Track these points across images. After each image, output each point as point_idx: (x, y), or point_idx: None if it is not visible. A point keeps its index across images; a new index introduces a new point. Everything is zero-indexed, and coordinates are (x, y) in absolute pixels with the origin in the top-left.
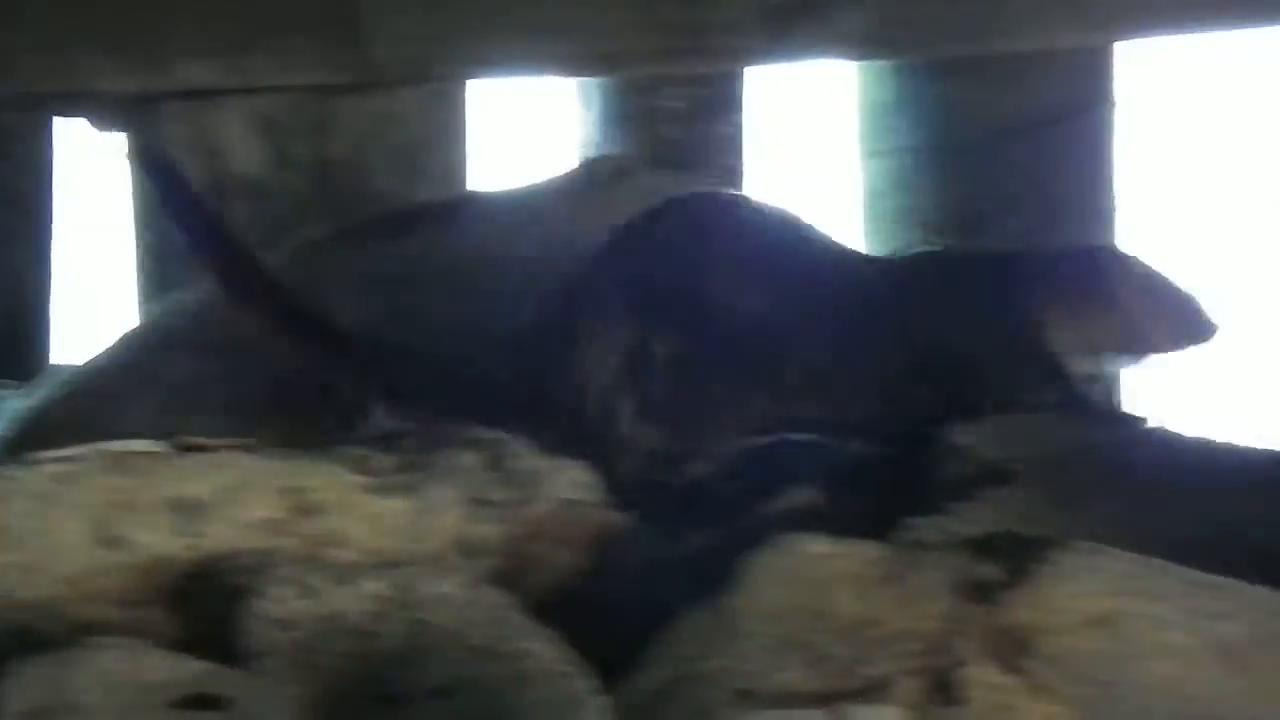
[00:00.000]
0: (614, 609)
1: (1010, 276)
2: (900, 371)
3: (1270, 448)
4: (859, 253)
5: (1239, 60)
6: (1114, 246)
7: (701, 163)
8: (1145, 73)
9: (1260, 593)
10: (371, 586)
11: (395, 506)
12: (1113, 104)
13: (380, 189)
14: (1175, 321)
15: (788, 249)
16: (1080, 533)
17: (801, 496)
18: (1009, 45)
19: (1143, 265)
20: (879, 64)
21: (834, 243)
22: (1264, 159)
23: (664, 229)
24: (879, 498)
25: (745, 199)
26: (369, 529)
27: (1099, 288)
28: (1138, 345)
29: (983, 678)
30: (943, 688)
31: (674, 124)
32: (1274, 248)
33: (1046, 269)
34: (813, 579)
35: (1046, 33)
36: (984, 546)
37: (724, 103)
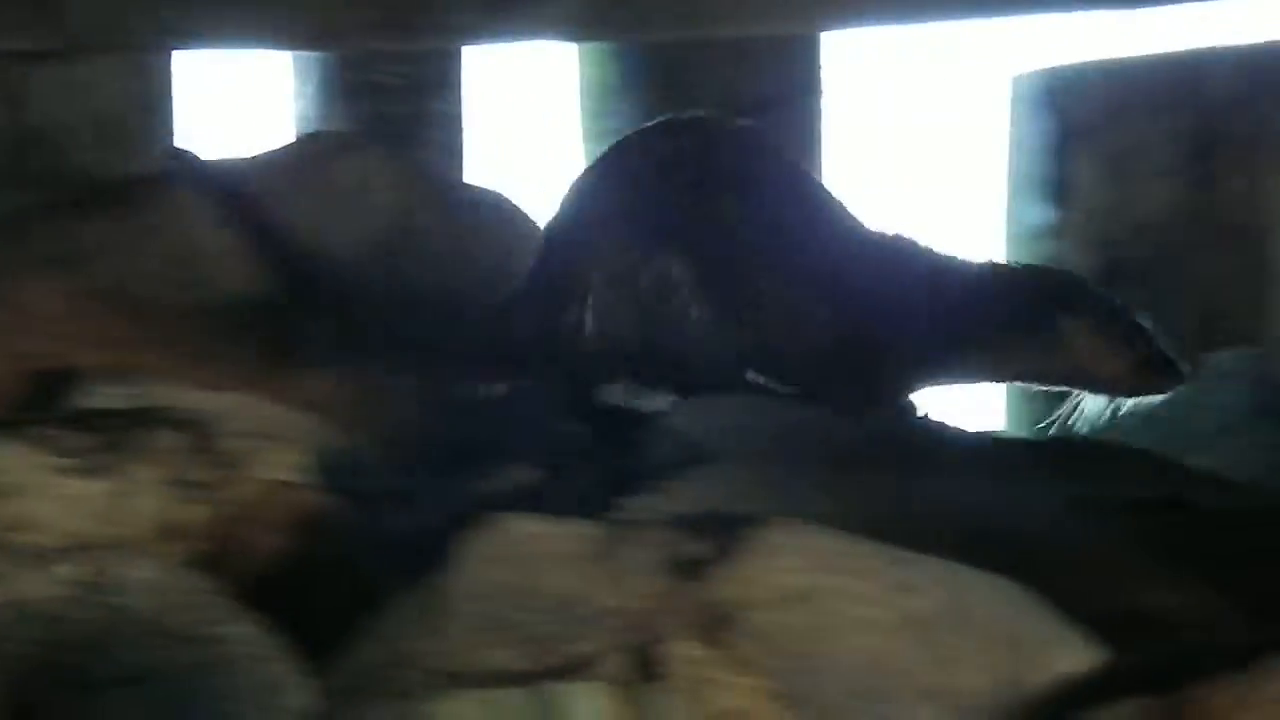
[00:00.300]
0: (324, 591)
1: (965, 285)
2: (821, 333)
3: (972, 429)
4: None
5: (940, 51)
6: (1076, 278)
7: (421, 139)
8: (851, 62)
9: (953, 568)
10: (63, 571)
11: (91, 488)
12: (821, 92)
13: (80, 160)
14: (1132, 364)
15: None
16: (786, 510)
17: (516, 475)
18: (721, 31)
19: (1106, 302)
20: (599, 46)
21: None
22: (962, 149)
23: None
24: (594, 477)
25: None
26: (63, 511)
27: (1046, 318)
28: (1085, 382)
29: (685, 653)
30: (646, 664)
31: (393, 100)
32: (975, 235)
33: (998, 287)
34: (524, 558)
35: (758, 20)
36: (692, 525)
37: (443, 80)
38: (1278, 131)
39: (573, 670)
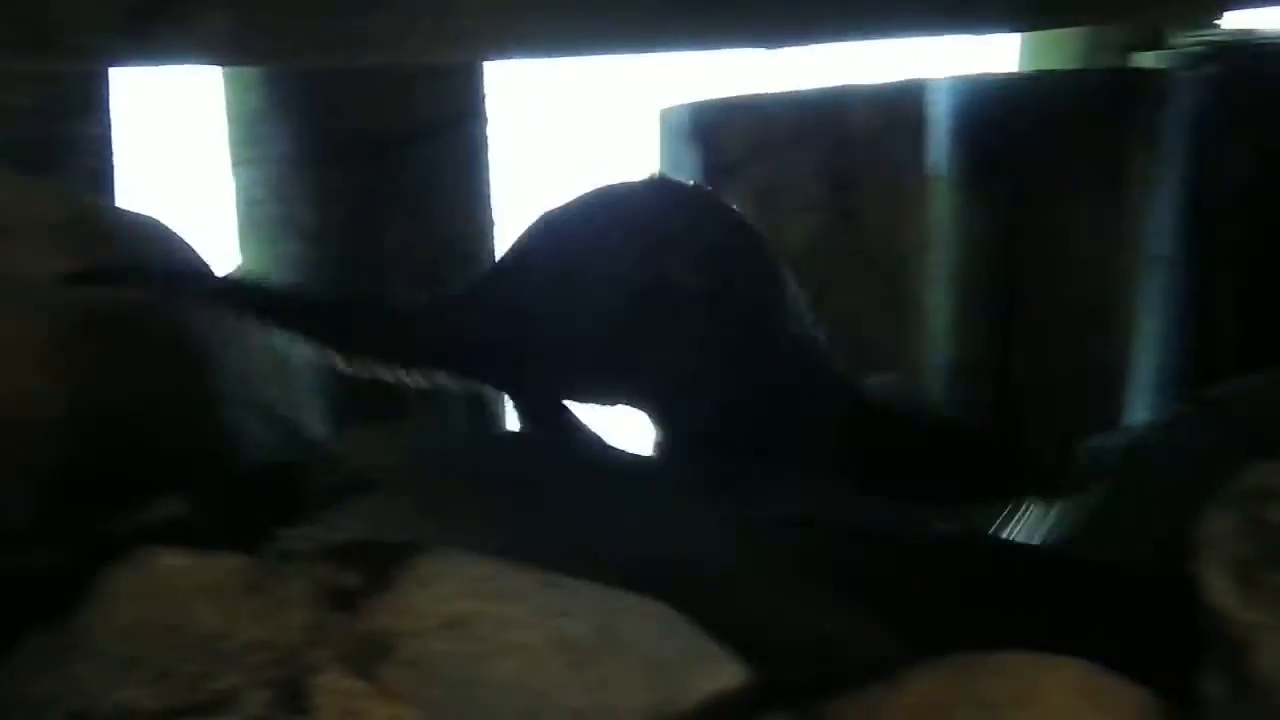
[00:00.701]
0: None
1: None
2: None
3: (627, 451)
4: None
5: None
6: None
7: (60, 164)
8: (515, 89)
9: (605, 591)
10: None
11: None
12: (486, 119)
13: None
14: None
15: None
16: (443, 537)
17: (167, 508)
18: (378, 58)
19: None
20: (248, 70)
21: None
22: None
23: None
24: (249, 508)
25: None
26: None
27: None
28: None
29: (334, 685)
30: (293, 698)
31: (24, 123)
32: None
33: None
34: (169, 593)
35: (414, 48)
36: (347, 554)
37: (86, 102)
38: (912, 167)
39: (212, 707)
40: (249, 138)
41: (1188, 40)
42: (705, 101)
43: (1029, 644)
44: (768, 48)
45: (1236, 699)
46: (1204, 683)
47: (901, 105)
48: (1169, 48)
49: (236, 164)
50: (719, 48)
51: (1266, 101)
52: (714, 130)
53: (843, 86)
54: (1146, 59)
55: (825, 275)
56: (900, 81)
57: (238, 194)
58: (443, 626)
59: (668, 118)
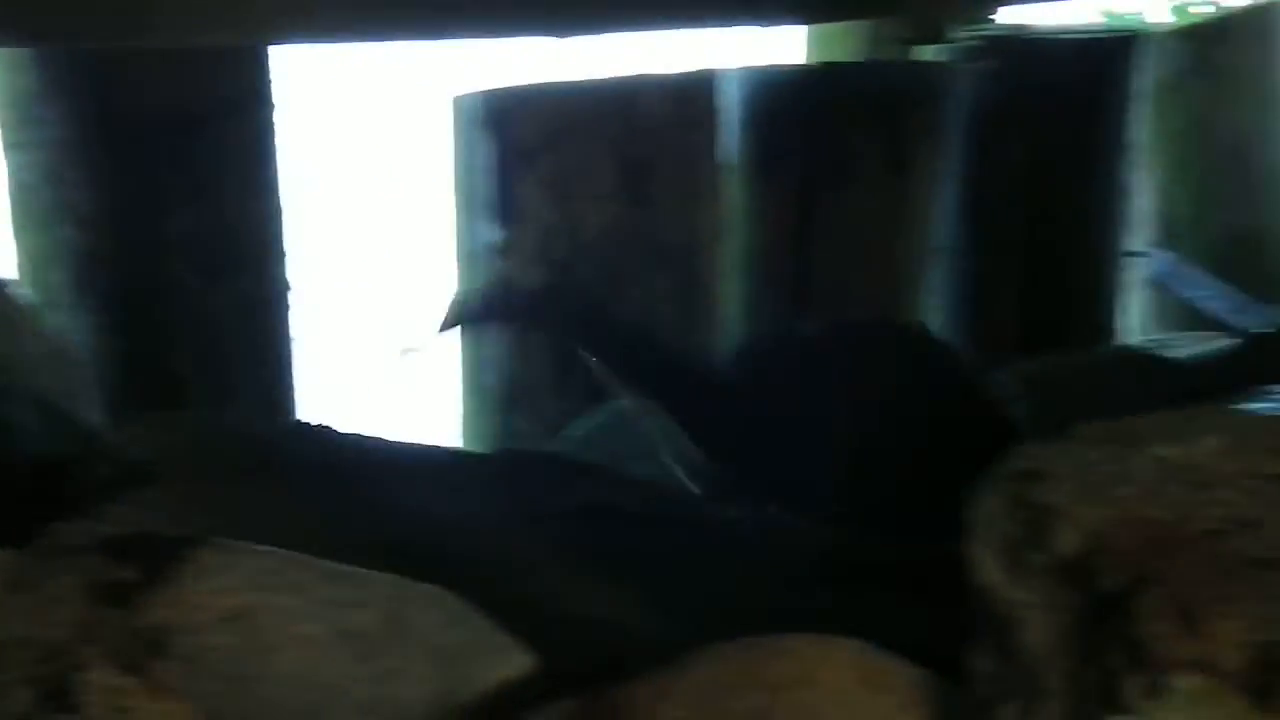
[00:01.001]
0: None
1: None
2: None
3: (415, 441)
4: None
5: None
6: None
7: None
8: (305, 74)
9: (392, 581)
10: None
11: None
12: (273, 104)
13: None
14: None
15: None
16: (224, 530)
17: None
18: (155, 41)
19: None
20: (18, 50)
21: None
22: (414, 165)
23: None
24: (18, 502)
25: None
26: None
27: None
28: None
29: (103, 682)
30: (58, 695)
31: None
32: (428, 252)
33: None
34: None
35: (195, 31)
36: (122, 547)
37: None
38: (704, 156)
39: None
40: (21, 120)
41: (965, 35)
42: (498, 89)
43: (813, 626)
44: (557, 36)
45: (1003, 675)
46: (974, 660)
47: (693, 95)
48: (948, 42)
49: (7, 148)
50: (508, 36)
51: (1038, 94)
52: (507, 118)
53: (635, 76)
54: (927, 52)
55: (620, 262)
56: (692, 71)
57: (9, 179)
58: (222, 620)
59: (461, 105)
